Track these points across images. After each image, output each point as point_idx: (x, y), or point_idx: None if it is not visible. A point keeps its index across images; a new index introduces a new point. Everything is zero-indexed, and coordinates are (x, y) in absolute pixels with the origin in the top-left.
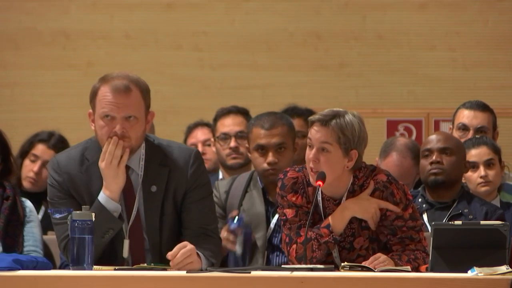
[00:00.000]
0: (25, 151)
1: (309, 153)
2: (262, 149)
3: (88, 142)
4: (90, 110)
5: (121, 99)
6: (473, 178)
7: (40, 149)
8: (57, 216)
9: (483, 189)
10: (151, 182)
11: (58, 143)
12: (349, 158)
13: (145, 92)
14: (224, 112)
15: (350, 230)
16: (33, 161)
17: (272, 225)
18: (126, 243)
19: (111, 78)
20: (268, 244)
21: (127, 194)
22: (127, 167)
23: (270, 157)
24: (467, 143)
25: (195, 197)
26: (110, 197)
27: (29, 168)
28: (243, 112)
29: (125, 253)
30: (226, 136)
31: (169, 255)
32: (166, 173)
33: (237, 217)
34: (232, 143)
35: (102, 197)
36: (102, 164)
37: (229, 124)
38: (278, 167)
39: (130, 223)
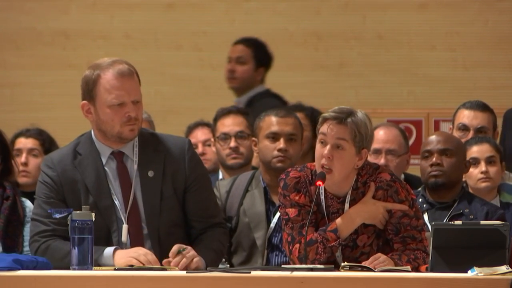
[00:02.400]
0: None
1: (322, 150)
2: (274, 137)
3: (79, 138)
4: (85, 101)
5: (127, 84)
6: (474, 174)
7: (20, 142)
8: (57, 216)
9: (484, 184)
10: (147, 167)
11: (36, 132)
12: (360, 156)
13: (137, 73)
14: (224, 112)
15: (353, 230)
16: (18, 155)
17: (272, 224)
18: (125, 228)
19: (109, 64)
20: (267, 244)
21: (122, 180)
22: (121, 153)
23: (282, 144)
24: (469, 141)
25: (198, 188)
26: (114, 259)
27: (18, 164)
28: (243, 112)
29: (124, 237)
30: (226, 136)
31: (174, 262)
32: (162, 158)
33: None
34: (232, 143)
35: (109, 250)
36: (140, 252)
37: (229, 124)
38: (288, 155)
39: (128, 209)
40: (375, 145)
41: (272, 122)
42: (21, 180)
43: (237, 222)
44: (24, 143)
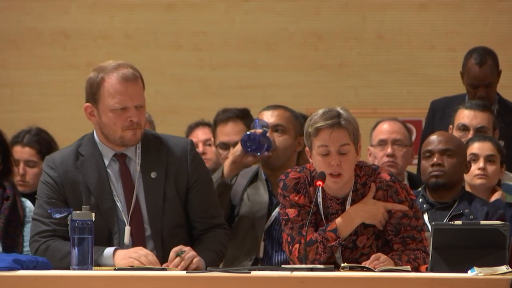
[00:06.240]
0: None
1: (328, 160)
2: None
3: (81, 139)
4: (88, 103)
5: (131, 88)
6: (471, 170)
7: (16, 151)
8: (57, 216)
9: (479, 181)
10: (150, 169)
11: (33, 140)
12: (357, 152)
13: (142, 78)
14: (224, 119)
15: (353, 229)
16: (15, 165)
17: (272, 217)
18: (127, 230)
19: (114, 68)
20: (268, 237)
21: (125, 182)
22: (124, 155)
23: (268, 134)
24: (472, 139)
25: (200, 189)
26: (114, 259)
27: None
28: (243, 117)
29: (126, 239)
30: (225, 146)
31: (173, 264)
32: (165, 158)
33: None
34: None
35: (109, 250)
36: (141, 252)
37: (228, 133)
38: (273, 147)
39: (131, 211)
40: (380, 136)
41: (262, 116)
42: (19, 188)
43: (239, 210)
44: (20, 152)
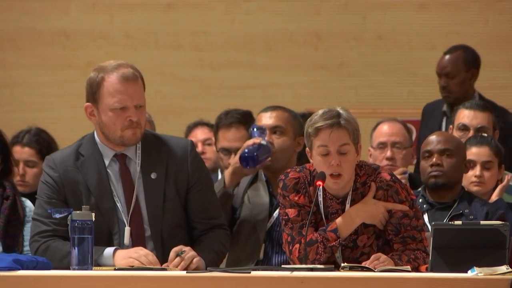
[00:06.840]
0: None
1: (328, 160)
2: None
3: (81, 139)
4: (88, 103)
5: (131, 88)
6: (468, 176)
7: (16, 151)
8: (57, 216)
9: (475, 188)
10: (150, 169)
11: (33, 139)
12: (358, 152)
13: (142, 78)
14: (226, 124)
15: (353, 229)
16: (15, 165)
17: (273, 218)
18: (127, 230)
19: (114, 67)
20: (268, 238)
21: (125, 182)
22: (124, 156)
23: (266, 137)
24: (470, 140)
25: (200, 190)
26: (114, 259)
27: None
28: (245, 122)
29: (126, 240)
30: (227, 152)
31: (173, 264)
32: (165, 159)
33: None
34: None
35: (109, 250)
36: (141, 252)
37: (230, 139)
38: (272, 150)
39: (131, 211)
40: (380, 139)
41: (260, 118)
42: (19, 188)
43: (240, 212)
44: (20, 152)
